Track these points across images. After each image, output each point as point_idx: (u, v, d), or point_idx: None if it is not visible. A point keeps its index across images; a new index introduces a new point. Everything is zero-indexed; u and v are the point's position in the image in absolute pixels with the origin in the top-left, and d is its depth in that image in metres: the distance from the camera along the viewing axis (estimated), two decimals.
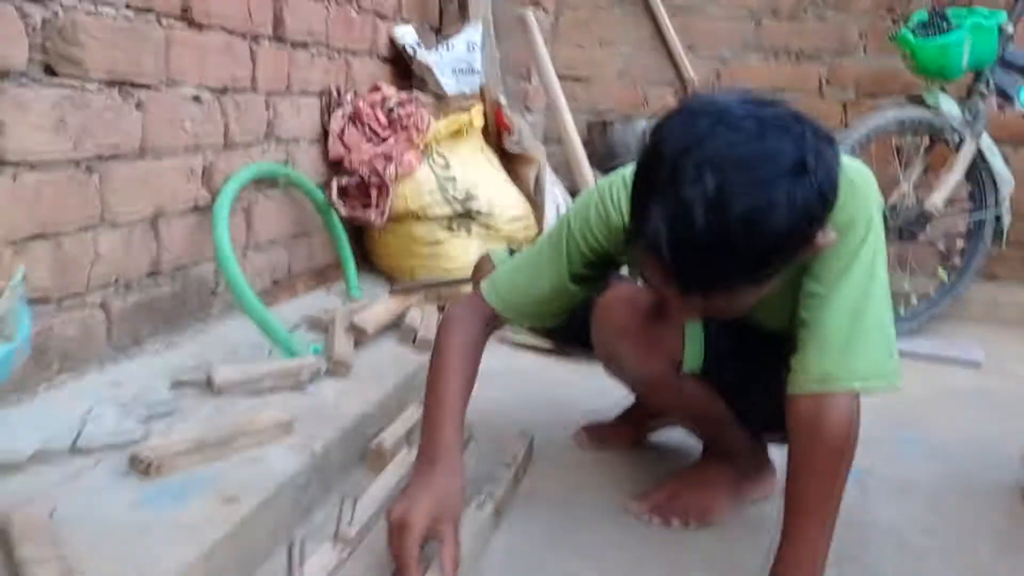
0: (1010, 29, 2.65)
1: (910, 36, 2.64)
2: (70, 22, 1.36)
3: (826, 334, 1.16)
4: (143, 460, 1.22)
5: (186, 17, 1.65)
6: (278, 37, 1.99)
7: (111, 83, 1.47)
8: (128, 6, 1.49)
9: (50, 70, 1.35)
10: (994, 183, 2.84)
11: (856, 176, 1.16)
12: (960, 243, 2.95)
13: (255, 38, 1.90)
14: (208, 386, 1.54)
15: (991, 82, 2.73)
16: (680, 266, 1.02)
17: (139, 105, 1.54)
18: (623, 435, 1.73)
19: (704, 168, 0.97)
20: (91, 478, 1.21)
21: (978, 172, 2.83)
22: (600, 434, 1.74)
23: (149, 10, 1.54)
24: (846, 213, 1.13)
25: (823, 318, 1.16)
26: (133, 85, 1.52)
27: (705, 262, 1.00)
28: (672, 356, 1.35)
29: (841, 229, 1.12)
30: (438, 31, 3.09)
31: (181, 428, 1.39)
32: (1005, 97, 2.77)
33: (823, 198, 1.00)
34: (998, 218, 2.86)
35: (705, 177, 0.97)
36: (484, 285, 1.41)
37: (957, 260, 2.95)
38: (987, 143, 2.79)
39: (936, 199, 2.77)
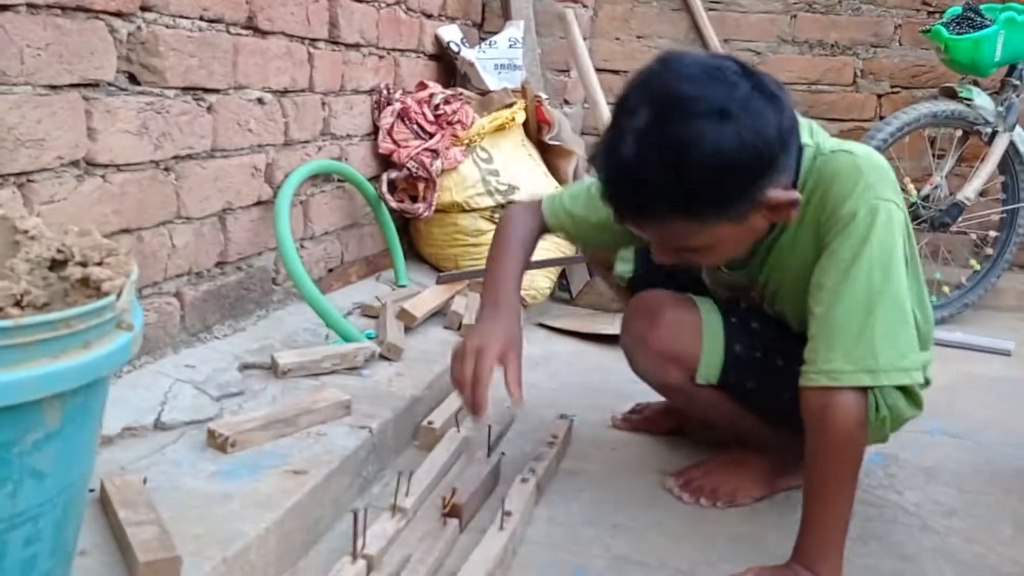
0: None
1: (943, 31, 2.68)
2: (152, 35, 1.48)
3: (835, 327, 1.18)
4: (220, 436, 1.34)
5: (251, 25, 1.76)
6: (333, 40, 2.10)
7: (186, 89, 1.59)
8: (202, 18, 1.60)
9: (134, 79, 1.47)
10: None
11: (865, 168, 1.21)
12: (993, 233, 2.99)
13: (312, 42, 2.01)
14: (272, 368, 1.67)
15: None
16: (611, 190, 1.16)
17: (210, 109, 1.66)
18: (661, 423, 1.80)
19: (642, 103, 1.11)
20: (174, 451, 1.33)
21: (1011, 164, 2.87)
22: (639, 420, 1.81)
23: (219, 20, 1.66)
24: (849, 205, 1.19)
25: (833, 311, 1.19)
26: (205, 91, 1.64)
27: (631, 188, 1.13)
28: (687, 367, 1.43)
29: (844, 220, 1.19)
30: (480, 27, 3.19)
31: (250, 407, 1.51)
32: None
33: (745, 147, 1.08)
34: None
35: (640, 111, 1.11)
36: (545, 201, 1.56)
37: (989, 250, 2.99)
38: (1020, 136, 2.83)
39: (968, 190, 2.82)
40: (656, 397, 1.71)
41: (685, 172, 1.09)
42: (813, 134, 1.29)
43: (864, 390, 1.20)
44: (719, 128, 1.08)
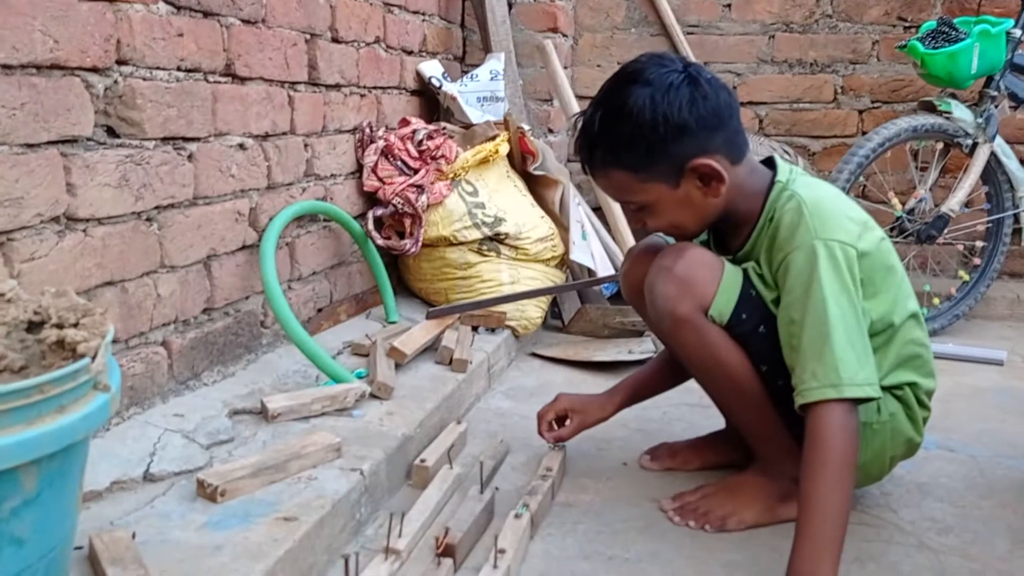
0: (1018, 34, 2.72)
1: (919, 46, 2.71)
2: (129, 88, 1.49)
3: (803, 355, 1.35)
4: (210, 485, 1.34)
5: (229, 72, 1.77)
6: (313, 82, 2.12)
7: (166, 139, 1.60)
8: (179, 68, 1.62)
9: (112, 132, 1.48)
10: (1010, 184, 2.90)
11: (824, 213, 1.39)
12: (980, 244, 3.00)
13: (292, 85, 2.03)
14: (262, 413, 1.67)
15: (1002, 87, 2.80)
16: (576, 147, 1.50)
17: (191, 157, 1.67)
18: (691, 461, 1.78)
19: (610, 82, 1.46)
20: (163, 503, 1.32)
21: (993, 174, 2.89)
22: (663, 458, 1.79)
23: (197, 69, 1.67)
24: (796, 240, 1.39)
25: (800, 343, 1.36)
26: (185, 139, 1.65)
27: (584, 142, 1.47)
28: (702, 299, 1.46)
29: (788, 263, 1.39)
30: (462, 60, 3.22)
31: (241, 453, 1.51)
32: (1017, 100, 2.83)
33: (657, 110, 1.38)
34: (1016, 217, 2.92)
35: (605, 87, 1.47)
36: None
37: (977, 260, 3.00)
38: (1001, 146, 2.85)
39: (953, 202, 2.84)
40: (651, 437, 1.70)
41: (615, 125, 1.41)
42: (791, 174, 1.49)
43: (840, 402, 1.30)
44: (640, 91, 1.39)
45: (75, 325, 0.88)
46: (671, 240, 1.62)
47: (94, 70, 1.42)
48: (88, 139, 1.42)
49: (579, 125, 1.48)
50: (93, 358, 0.82)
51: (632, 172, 1.43)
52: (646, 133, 1.39)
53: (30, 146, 1.30)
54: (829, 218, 1.40)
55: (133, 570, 1.10)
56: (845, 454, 1.28)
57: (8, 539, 0.75)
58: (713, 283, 1.46)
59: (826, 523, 1.24)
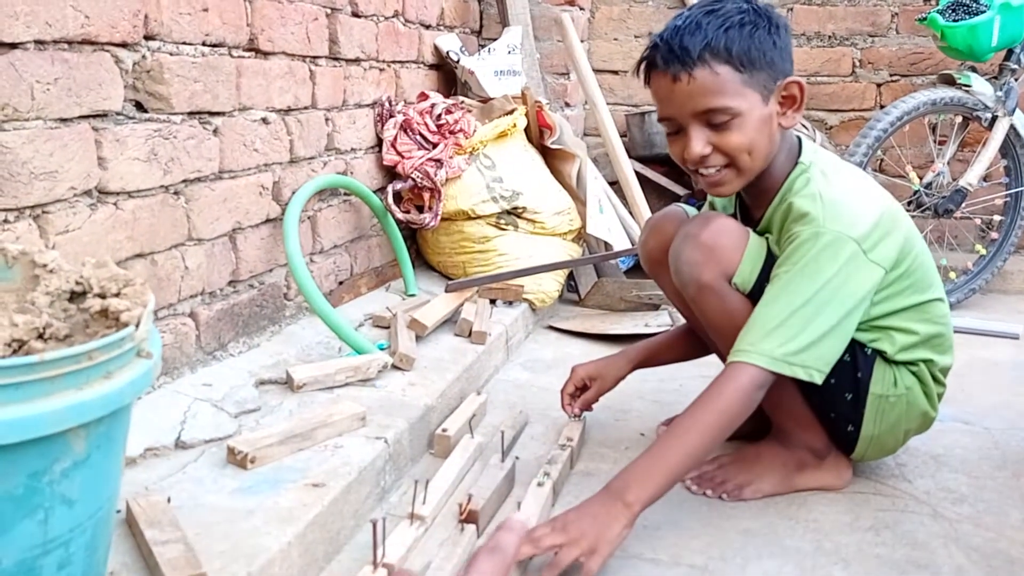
0: None
1: (939, 19, 2.69)
2: (156, 63, 1.51)
3: (761, 316, 1.38)
4: (240, 452, 1.37)
5: (253, 47, 1.79)
6: (334, 56, 2.13)
7: (192, 114, 1.62)
8: (204, 43, 1.64)
9: (141, 107, 1.50)
10: None
11: (837, 207, 1.41)
12: (997, 218, 3.00)
13: (314, 59, 2.05)
14: (288, 383, 1.70)
15: (1022, 59, 2.78)
16: (662, 47, 1.41)
17: (216, 131, 1.70)
18: None
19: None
20: (195, 469, 1.36)
21: (1012, 148, 2.88)
22: None
23: (221, 44, 1.69)
24: (815, 227, 1.39)
25: (766, 302, 1.39)
26: (211, 114, 1.68)
27: (680, 36, 1.39)
28: (726, 267, 1.47)
29: (807, 237, 1.39)
30: (479, 34, 3.22)
31: (268, 422, 1.54)
32: None
33: (760, 17, 1.40)
34: None
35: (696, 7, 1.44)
36: None
37: (995, 234, 3.00)
38: (1020, 119, 2.84)
39: (971, 176, 2.83)
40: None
41: (727, 20, 1.38)
42: (815, 154, 1.51)
43: (750, 367, 1.35)
44: (745, 4, 1.41)
45: (117, 295, 0.91)
46: (691, 211, 1.63)
47: (123, 45, 1.44)
48: (118, 113, 1.45)
49: (670, 27, 1.43)
50: (136, 326, 0.85)
51: (738, 71, 1.39)
52: (760, 35, 1.39)
53: (63, 120, 1.33)
54: (842, 214, 1.41)
55: (170, 532, 1.13)
56: (727, 415, 1.33)
57: (60, 499, 0.78)
58: (738, 251, 1.47)
59: (668, 454, 1.31)
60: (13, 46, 1.23)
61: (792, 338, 1.34)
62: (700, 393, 1.36)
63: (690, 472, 1.51)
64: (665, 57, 1.41)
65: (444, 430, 1.69)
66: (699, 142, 1.42)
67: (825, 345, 1.37)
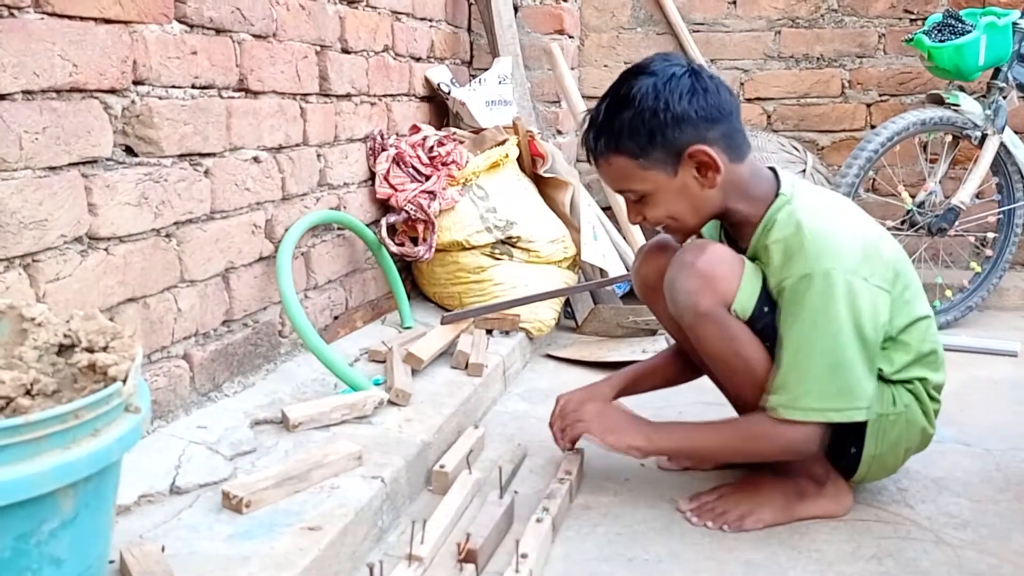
0: None
1: (925, 39, 2.71)
2: (146, 107, 1.51)
3: (778, 369, 1.46)
4: (235, 497, 1.36)
5: (243, 87, 1.80)
6: (324, 93, 2.14)
7: (182, 156, 1.62)
8: (193, 85, 1.64)
9: (131, 151, 1.50)
10: (1020, 174, 2.90)
11: (822, 241, 1.43)
12: (991, 235, 3.00)
13: (304, 97, 2.05)
14: (283, 423, 1.69)
15: (1010, 78, 2.80)
16: (583, 138, 1.54)
17: (207, 172, 1.70)
18: (701, 461, 1.78)
19: (618, 77, 1.52)
20: (190, 515, 1.35)
21: (1003, 165, 2.89)
22: (680, 458, 1.78)
23: (211, 86, 1.70)
24: (804, 267, 1.42)
25: (779, 356, 1.46)
26: (201, 155, 1.68)
27: (591, 131, 1.51)
28: (724, 295, 1.46)
29: (797, 280, 1.43)
30: (470, 64, 3.23)
31: (263, 463, 1.53)
32: None
33: (660, 98, 1.43)
34: None
35: (614, 82, 1.52)
36: None
37: (989, 251, 3.00)
38: (1010, 137, 2.85)
39: (963, 194, 2.84)
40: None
41: (619, 111, 1.46)
42: (794, 186, 1.53)
43: (783, 421, 1.45)
44: (644, 80, 1.46)
45: (105, 348, 0.90)
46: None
47: (112, 91, 1.45)
48: (108, 159, 1.45)
49: (587, 118, 1.54)
50: (124, 381, 0.84)
51: (632, 158, 1.46)
52: (647, 118, 1.44)
53: (52, 169, 1.33)
54: (828, 247, 1.43)
55: None
56: (759, 449, 1.52)
57: (48, 559, 0.77)
58: (735, 279, 1.47)
59: (698, 434, 1.57)
60: (1, 97, 1.23)
61: (826, 387, 1.43)
62: (748, 417, 1.54)
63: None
64: (586, 145, 1.55)
65: (442, 466, 1.68)
66: (631, 213, 1.58)
67: (861, 381, 1.44)
